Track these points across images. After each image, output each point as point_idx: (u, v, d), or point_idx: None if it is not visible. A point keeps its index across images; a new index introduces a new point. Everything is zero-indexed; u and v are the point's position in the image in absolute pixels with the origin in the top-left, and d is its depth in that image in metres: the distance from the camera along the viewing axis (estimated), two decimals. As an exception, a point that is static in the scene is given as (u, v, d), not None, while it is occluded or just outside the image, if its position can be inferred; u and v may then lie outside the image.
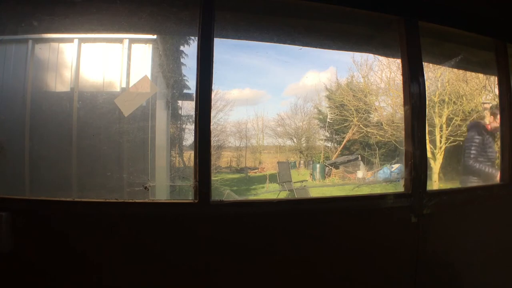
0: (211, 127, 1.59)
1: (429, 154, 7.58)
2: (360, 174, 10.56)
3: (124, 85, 2.55)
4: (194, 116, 1.61)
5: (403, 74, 1.92)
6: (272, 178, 9.99)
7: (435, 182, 7.70)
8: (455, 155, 7.90)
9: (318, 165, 11.15)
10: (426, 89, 1.92)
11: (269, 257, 1.62)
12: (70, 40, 2.45)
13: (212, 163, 1.61)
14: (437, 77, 7.91)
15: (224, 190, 7.48)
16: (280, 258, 1.63)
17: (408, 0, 1.91)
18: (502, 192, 2.24)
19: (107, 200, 1.50)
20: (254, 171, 12.29)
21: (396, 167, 8.97)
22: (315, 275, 1.68)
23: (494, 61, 2.33)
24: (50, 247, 1.43)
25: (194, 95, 1.63)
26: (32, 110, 2.38)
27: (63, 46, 2.50)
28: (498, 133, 2.52)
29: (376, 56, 9.84)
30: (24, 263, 1.41)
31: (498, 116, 2.41)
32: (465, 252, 1.98)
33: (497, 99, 2.73)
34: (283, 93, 17.49)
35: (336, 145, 12.56)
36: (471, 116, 7.67)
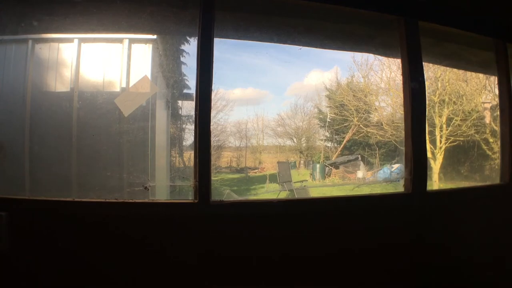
0: (211, 127, 1.59)
1: (429, 154, 7.57)
2: (360, 174, 10.54)
3: (124, 85, 2.54)
4: (194, 116, 1.60)
5: (403, 74, 1.92)
6: (272, 178, 9.98)
7: (435, 182, 7.69)
8: (455, 155, 7.90)
9: (318, 165, 11.13)
10: (426, 89, 1.92)
11: (268, 257, 1.62)
12: (70, 40, 2.45)
13: (212, 163, 1.61)
14: (437, 77, 7.90)
15: (224, 190, 7.47)
16: (280, 258, 1.63)
17: (408, 0, 1.91)
18: (502, 192, 2.24)
19: (107, 200, 1.50)
20: (254, 171, 12.26)
21: (396, 167, 8.95)
22: (315, 274, 1.68)
23: (494, 61, 2.33)
24: (50, 247, 1.43)
25: (194, 95, 1.63)
26: (32, 110, 2.38)
27: (63, 46, 2.50)
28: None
29: (376, 56, 9.85)
30: (23, 263, 1.41)
31: None
32: (465, 252, 1.98)
33: (497, 99, 2.73)
34: (286, 93, 17.35)
35: (336, 145, 12.54)
36: (471, 116, 7.66)
